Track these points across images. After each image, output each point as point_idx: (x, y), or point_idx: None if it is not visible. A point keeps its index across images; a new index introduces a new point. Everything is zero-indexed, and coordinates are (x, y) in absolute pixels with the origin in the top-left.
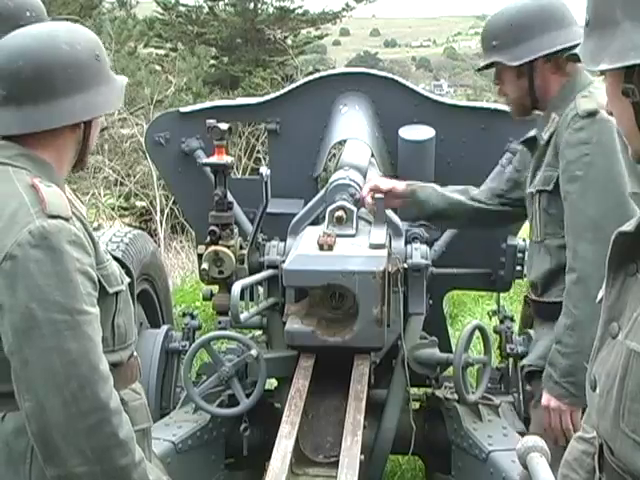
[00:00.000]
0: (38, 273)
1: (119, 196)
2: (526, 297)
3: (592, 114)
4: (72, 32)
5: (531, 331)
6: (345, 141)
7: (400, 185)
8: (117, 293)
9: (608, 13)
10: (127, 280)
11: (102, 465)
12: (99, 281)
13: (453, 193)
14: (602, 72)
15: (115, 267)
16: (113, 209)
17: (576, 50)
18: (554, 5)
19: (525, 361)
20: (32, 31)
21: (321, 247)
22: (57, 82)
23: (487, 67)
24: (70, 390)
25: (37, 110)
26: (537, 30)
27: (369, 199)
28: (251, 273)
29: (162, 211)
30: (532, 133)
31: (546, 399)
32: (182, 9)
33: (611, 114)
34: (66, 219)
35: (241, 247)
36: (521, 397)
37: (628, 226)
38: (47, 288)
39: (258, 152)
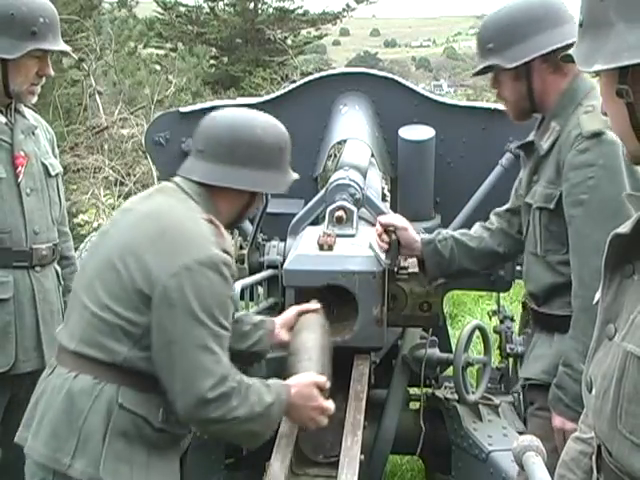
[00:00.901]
0: (206, 288)
1: (119, 196)
2: (525, 303)
3: (597, 135)
4: (269, 123)
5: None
6: (345, 141)
7: (414, 236)
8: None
9: (602, 14)
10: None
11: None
12: None
13: (473, 242)
14: (596, 73)
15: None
16: (113, 209)
17: (570, 51)
18: (548, 3)
19: (526, 374)
20: (241, 112)
21: (321, 247)
22: (241, 154)
23: (484, 71)
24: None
25: (218, 169)
26: (531, 30)
27: (382, 236)
28: (251, 273)
29: None
30: (530, 138)
31: (559, 422)
32: (182, 9)
33: (605, 114)
34: (231, 257)
35: (241, 247)
36: (521, 397)
37: (624, 228)
38: (209, 301)
39: None
